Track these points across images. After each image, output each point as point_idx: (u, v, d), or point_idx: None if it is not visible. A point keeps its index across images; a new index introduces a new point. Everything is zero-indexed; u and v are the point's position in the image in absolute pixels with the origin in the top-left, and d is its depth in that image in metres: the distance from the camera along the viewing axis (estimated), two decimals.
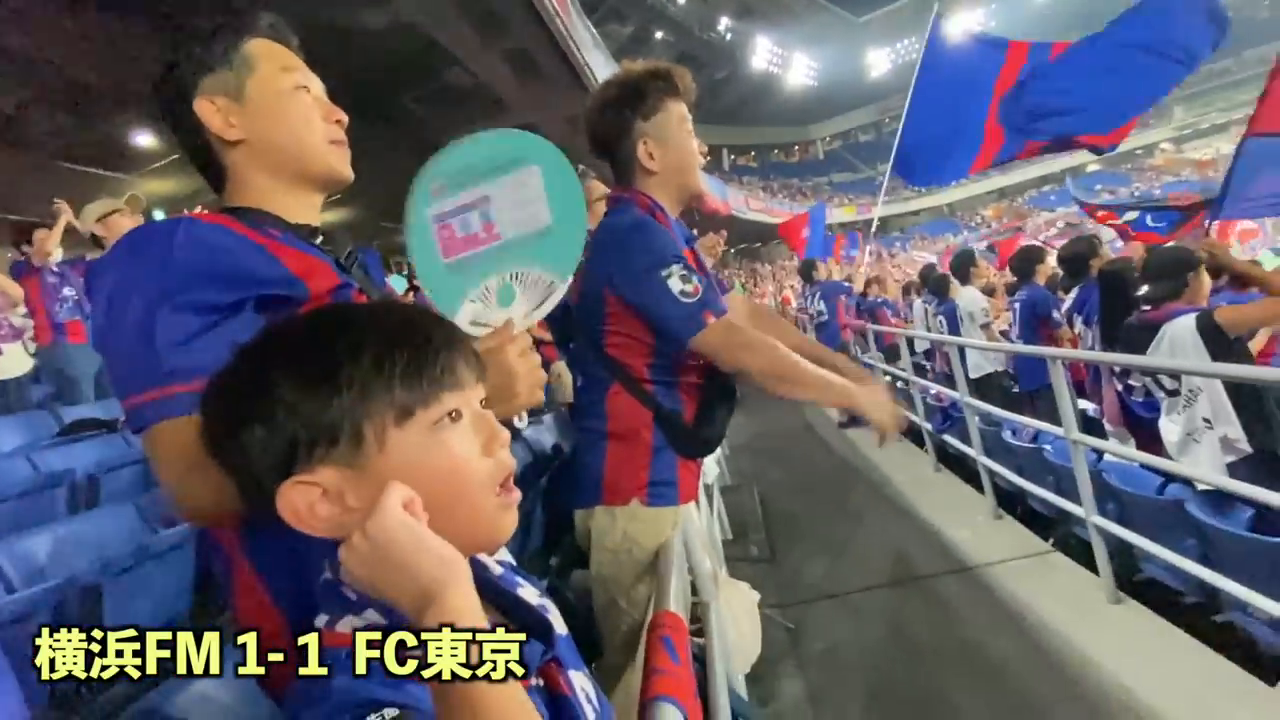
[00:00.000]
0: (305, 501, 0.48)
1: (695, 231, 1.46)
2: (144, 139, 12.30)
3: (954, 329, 5.02)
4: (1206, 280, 2.63)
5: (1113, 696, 1.98)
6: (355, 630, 0.46)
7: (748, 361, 1.21)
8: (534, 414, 3.15)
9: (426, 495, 0.48)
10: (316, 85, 0.91)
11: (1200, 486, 2.17)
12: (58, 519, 2.30)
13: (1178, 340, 2.29)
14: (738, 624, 1.56)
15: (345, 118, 0.92)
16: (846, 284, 7.64)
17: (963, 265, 5.25)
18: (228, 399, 0.50)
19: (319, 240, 0.88)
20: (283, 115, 0.85)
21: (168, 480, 0.68)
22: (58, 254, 4.08)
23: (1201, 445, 2.24)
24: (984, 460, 3.34)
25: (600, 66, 12.05)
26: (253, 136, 0.85)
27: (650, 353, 1.30)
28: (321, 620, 0.49)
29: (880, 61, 41.05)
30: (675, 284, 1.18)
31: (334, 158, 0.89)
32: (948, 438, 3.96)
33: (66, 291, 4.00)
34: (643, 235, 1.24)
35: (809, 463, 5.17)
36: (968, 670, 2.24)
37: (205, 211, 0.87)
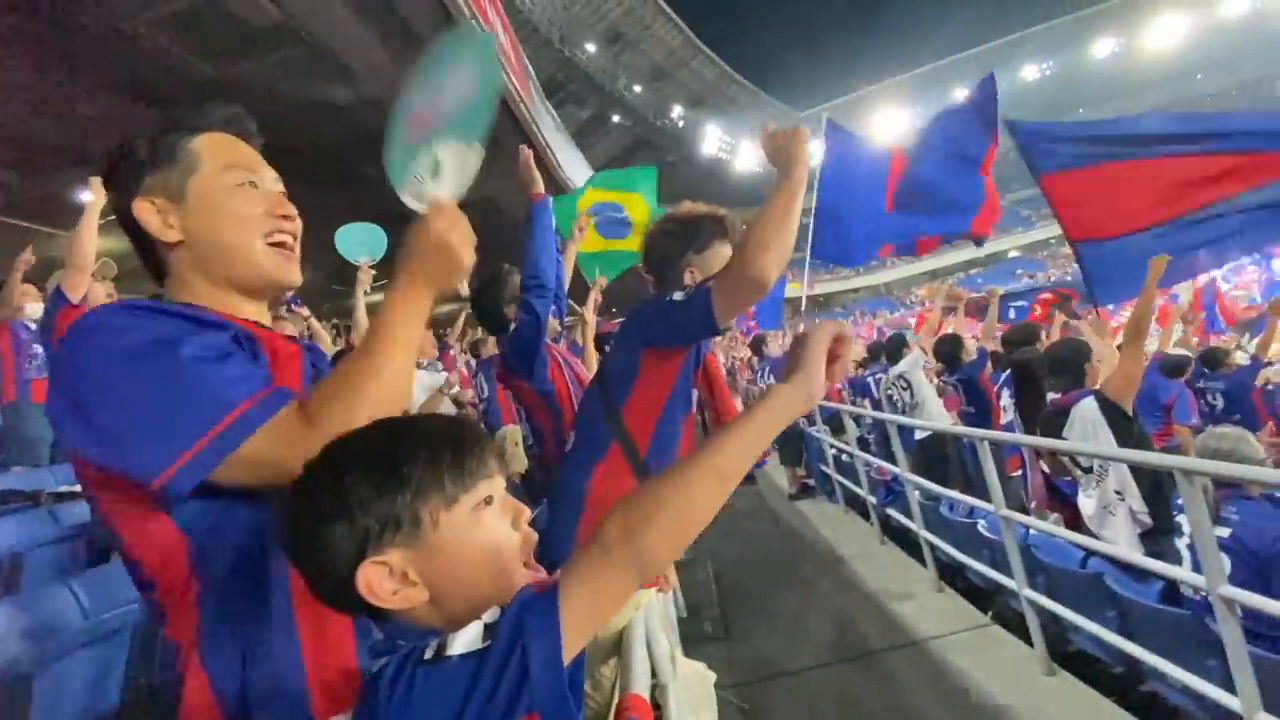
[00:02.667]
0: (377, 578, 0.59)
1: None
2: (88, 196, 12.00)
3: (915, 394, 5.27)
4: (1101, 367, 2.93)
5: None
6: None
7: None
8: None
9: (472, 565, 0.62)
10: (268, 180, 0.89)
11: (1121, 561, 2.34)
12: None
13: (1084, 421, 2.54)
14: (695, 706, 1.59)
15: (294, 215, 0.90)
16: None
17: (895, 347, 5.60)
18: (307, 506, 0.61)
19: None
20: (220, 216, 0.84)
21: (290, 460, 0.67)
22: (35, 309, 3.92)
23: (1117, 517, 2.45)
24: (924, 534, 3.49)
25: (561, 146, 12.60)
26: (190, 238, 0.83)
27: (657, 421, 1.42)
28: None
29: (820, 152, 44.19)
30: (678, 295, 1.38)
31: (270, 262, 0.87)
32: (891, 511, 4.12)
33: (37, 348, 3.81)
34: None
35: (760, 536, 5.24)
36: None
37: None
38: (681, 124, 36.66)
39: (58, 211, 11.64)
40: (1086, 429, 2.50)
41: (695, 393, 1.60)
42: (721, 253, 1.58)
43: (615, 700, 1.26)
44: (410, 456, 0.60)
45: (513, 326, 2.26)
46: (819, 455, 5.72)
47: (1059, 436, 2.64)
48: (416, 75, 0.89)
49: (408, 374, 0.81)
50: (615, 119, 32.80)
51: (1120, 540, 2.41)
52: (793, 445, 6.30)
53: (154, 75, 9.43)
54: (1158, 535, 2.38)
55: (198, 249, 0.84)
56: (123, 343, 0.71)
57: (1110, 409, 2.49)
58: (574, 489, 1.43)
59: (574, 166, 13.35)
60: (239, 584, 0.76)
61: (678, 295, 1.37)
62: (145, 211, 0.82)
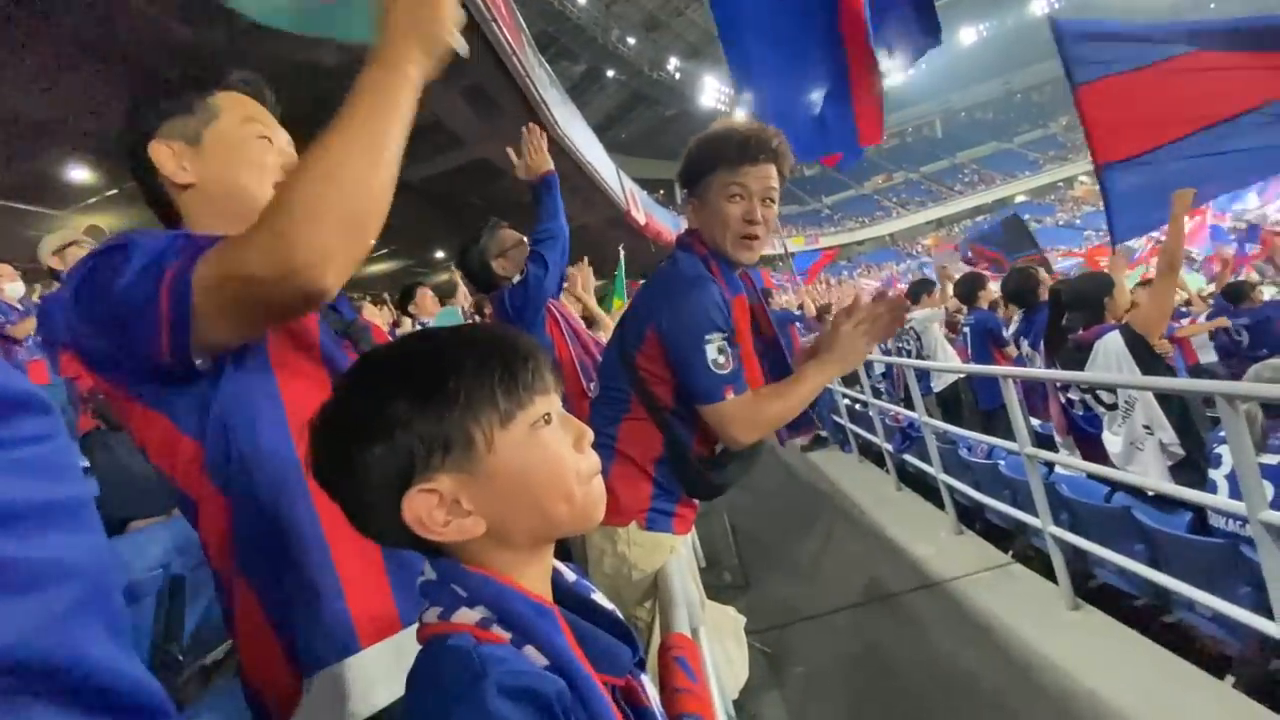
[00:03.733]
0: (426, 508, 0.52)
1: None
2: (79, 174, 11.81)
3: (926, 346, 5.22)
4: (1121, 302, 2.86)
5: (1079, 699, 2.07)
6: (476, 621, 0.51)
7: (745, 439, 1.29)
8: None
9: (534, 486, 0.55)
10: (282, 139, 0.92)
11: (1149, 492, 2.31)
12: None
13: (1108, 355, 2.47)
14: (726, 648, 1.58)
15: None
16: (797, 312, 7.88)
17: (915, 291, 5.52)
18: (340, 426, 0.53)
19: None
20: (235, 161, 0.86)
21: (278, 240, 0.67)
22: (15, 289, 3.88)
23: (1145, 452, 2.41)
24: (944, 477, 3.47)
25: (556, 104, 12.26)
26: (203, 181, 0.85)
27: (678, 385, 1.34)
28: (434, 613, 0.52)
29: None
30: (711, 353, 1.24)
31: None
32: (908, 457, 4.10)
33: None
34: (698, 295, 1.28)
35: (775, 487, 5.25)
36: (942, 684, 2.30)
37: None
38: (678, 76, 35.63)
39: (43, 189, 11.51)
40: (1110, 363, 2.43)
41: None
42: (722, 179, 1.34)
43: (653, 641, 1.24)
44: (456, 367, 0.53)
45: (515, 279, 2.20)
46: (830, 406, 5.69)
47: (1080, 369, 2.58)
48: None
49: (382, 176, 0.71)
50: (610, 74, 31.91)
51: (1150, 474, 2.37)
52: None
53: (139, 46, 9.16)
54: (1187, 467, 2.34)
55: (208, 190, 0.86)
56: (108, 265, 0.71)
57: (1136, 342, 2.42)
58: (603, 437, 1.38)
59: (572, 125, 13.02)
60: (266, 508, 0.76)
61: (710, 350, 1.26)
62: (161, 153, 0.85)
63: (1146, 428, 2.41)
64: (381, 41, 0.74)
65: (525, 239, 2.28)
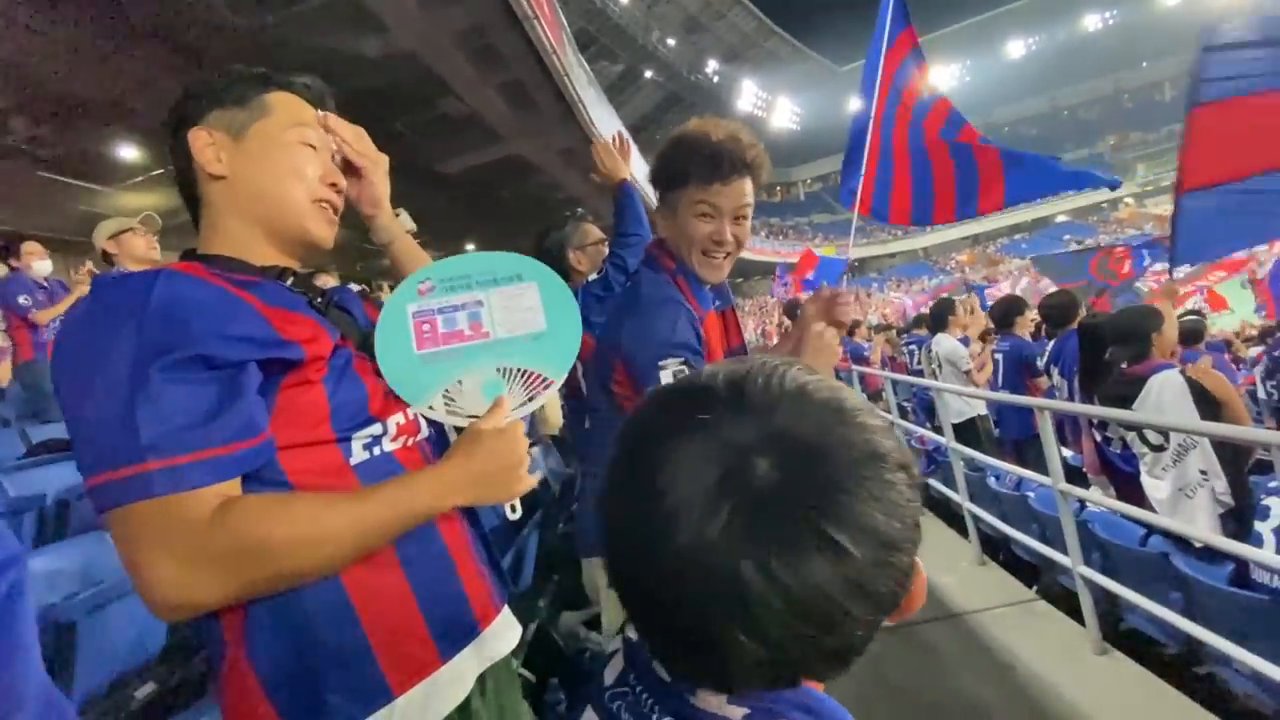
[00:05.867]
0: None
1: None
2: (126, 152, 12.17)
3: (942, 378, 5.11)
4: (1170, 338, 2.74)
5: None
6: None
7: None
8: None
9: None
10: (329, 149, 0.89)
11: (1196, 544, 2.21)
12: (25, 547, 2.20)
13: (1165, 395, 2.36)
14: None
15: (344, 185, 0.89)
16: None
17: (941, 313, 5.39)
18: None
19: (289, 282, 0.84)
20: (274, 162, 0.83)
21: (150, 568, 0.60)
22: (43, 267, 3.98)
23: (1195, 500, 2.29)
24: (969, 506, 3.37)
25: (593, 103, 12.29)
26: (234, 176, 0.82)
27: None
28: None
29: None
30: (666, 377, 1.18)
31: (312, 218, 0.85)
32: (932, 481, 4.00)
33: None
34: (655, 318, 1.22)
35: None
36: (956, 719, 2.23)
37: (178, 261, 0.82)
38: (716, 79, 35.49)
39: (92, 167, 11.88)
40: (1165, 403, 2.33)
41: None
42: (691, 195, 1.24)
43: None
44: None
45: (590, 276, 2.21)
46: None
47: (1126, 408, 2.47)
48: (436, 275, 0.87)
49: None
50: (648, 74, 31.89)
51: (1199, 524, 2.26)
52: None
53: (188, 26, 9.40)
54: (1231, 518, 2.23)
55: (238, 187, 0.82)
56: (93, 351, 0.65)
57: (1199, 389, 2.31)
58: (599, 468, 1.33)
59: (607, 124, 13.03)
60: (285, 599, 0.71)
61: (665, 375, 1.17)
62: (199, 140, 0.81)
63: (1203, 473, 2.29)
64: (447, 476, 0.77)
65: (605, 239, 2.28)
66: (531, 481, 0.84)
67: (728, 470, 0.35)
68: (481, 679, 0.82)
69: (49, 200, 11.51)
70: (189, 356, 0.65)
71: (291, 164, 0.83)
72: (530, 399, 0.86)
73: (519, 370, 0.85)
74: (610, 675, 0.48)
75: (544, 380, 0.86)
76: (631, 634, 0.48)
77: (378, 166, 0.96)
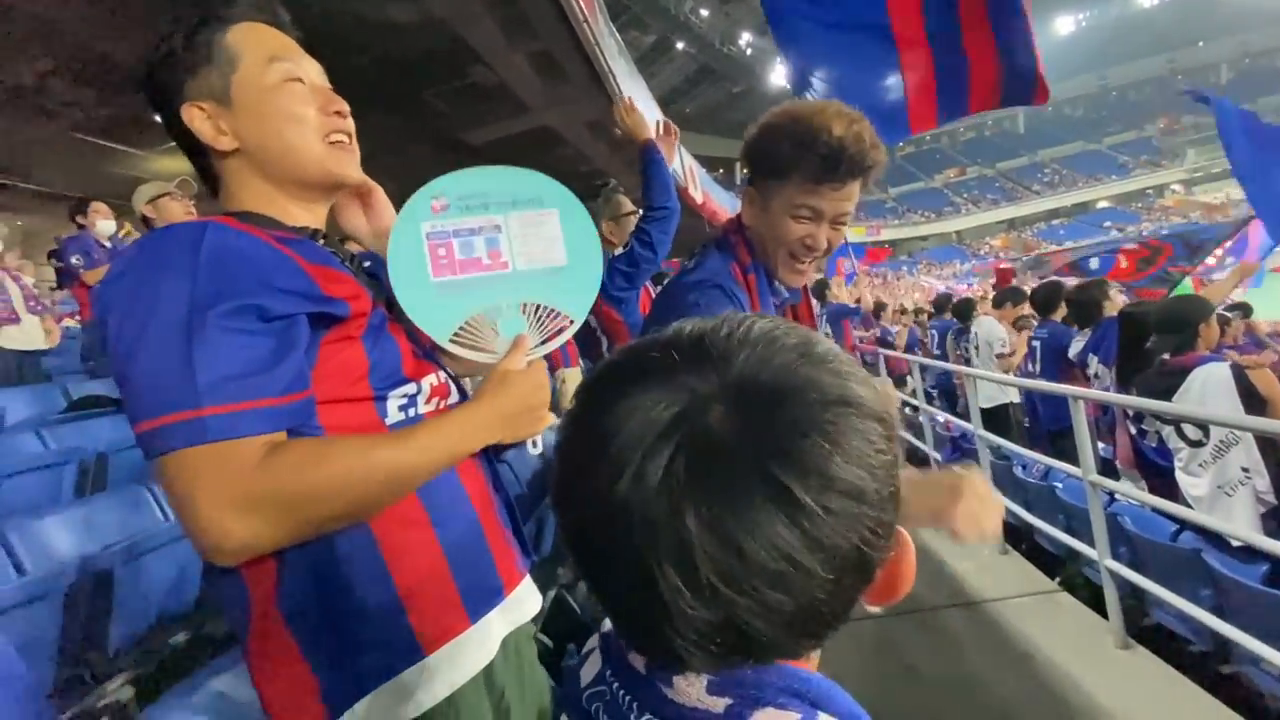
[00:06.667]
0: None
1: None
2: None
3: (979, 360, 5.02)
4: (1215, 330, 2.63)
5: None
6: None
7: None
8: None
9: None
10: (312, 71, 0.83)
11: (1234, 543, 2.15)
12: (66, 498, 2.28)
13: (1209, 388, 2.28)
14: None
15: (346, 108, 0.83)
16: (854, 306, 7.65)
17: (965, 309, 5.30)
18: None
19: (321, 242, 0.82)
20: (271, 116, 0.78)
21: (206, 511, 0.61)
22: (107, 226, 4.07)
23: (1235, 498, 2.23)
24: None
25: (623, 74, 12.09)
26: (247, 145, 0.78)
27: None
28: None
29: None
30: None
31: (332, 160, 0.81)
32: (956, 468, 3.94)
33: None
34: (700, 293, 1.12)
35: None
36: (972, 707, 2.21)
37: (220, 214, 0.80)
38: (749, 52, 34.63)
39: (131, 130, 12.04)
40: (1208, 396, 2.24)
41: None
42: (791, 191, 1.09)
43: None
44: None
45: (618, 250, 2.18)
46: None
47: (1166, 400, 2.39)
48: (451, 190, 0.82)
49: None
50: (680, 46, 31.25)
51: (1238, 522, 2.20)
52: None
53: None
54: (1275, 517, 2.16)
55: (255, 154, 0.79)
56: (145, 306, 0.65)
57: (1246, 385, 2.21)
58: None
59: (636, 95, 12.84)
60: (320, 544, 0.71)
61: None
62: (195, 118, 0.77)
63: (1245, 470, 2.22)
64: (477, 417, 0.78)
65: (638, 211, 2.25)
66: (552, 418, 0.84)
67: (680, 414, 0.33)
68: (503, 643, 0.83)
69: (89, 163, 11.75)
70: (242, 305, 0.65)
71: (286, 110, 0.78)
72: (548, 340, 0.85)
73: (538, 308, 0.83)
74: (588, 674, 0.45)
75: (565, 320, 0.85)
76: (607, 626, 0.45)
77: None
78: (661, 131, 2.10)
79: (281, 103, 0.78)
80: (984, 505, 0.79)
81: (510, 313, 0.82)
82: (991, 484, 3.27)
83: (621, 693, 0.41)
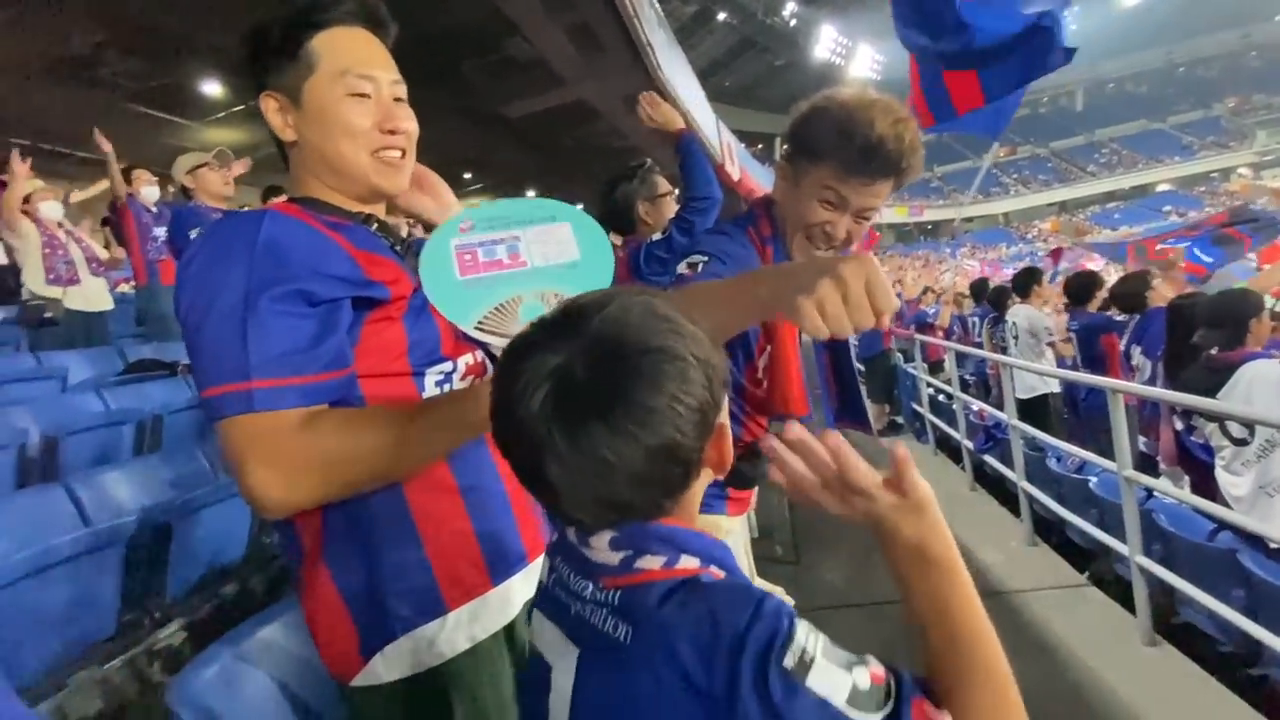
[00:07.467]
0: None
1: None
2: (211, 88, 12.61)
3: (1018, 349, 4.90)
4: (1268, 325, 2.53)
5: None
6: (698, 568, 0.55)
7: None
8: None
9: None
10: (385, 83, 0.86)
11: (1272, 544, 2.09)
12: (125, 455, 2.43)
13: (1256, 386, 2.20)
14: None
15: (404, 128, 0.87)
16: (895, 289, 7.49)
17: (999, 295, 5.14)
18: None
19: (375, 228, 0.90)
20: (329, 127, 0.84)
21: (253, 470, 0.69)
22: (151, 193, 4.24)
23: (1277, 499, 2.16)
24: (1024, 485, 3.28)
25: (662, 46, 11.88)
26: (304, 142, 0.86)
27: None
28: (657, 562, 0.54)
29: None
30: (683, 268, 1.13)
31: (376, 173, 0.87)
32: (988, 458, 3.89)
33: (158, 231, 4.11)
34: (709, 242, 1.18)
35: None
36: None
37: (277, 201, 0.90)
38: (793, 23, 33.53)
39: (178, 100, 12.34)
40: (1256, 394, 2.17)
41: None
42: (820, 176, 1.11)
43: None
44: None
45: (655, 235, 2.18)
46: (912, 393, 5.45)
47: (1211, 396, 2.32)
48: (474, 216, 0.88)
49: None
50: (721, 17, 30.48)
51: (1278, 522, 2.13)
52: (882, 380, 6.05)
53: None
54: None
55: (308, 152, 0.87)
56: (212, 288, 0.73)
57: None
58: None
59: (674, 68, 12.62)
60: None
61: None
62: (269, 108, 0.86)
63: None
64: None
65: (675, 192, 2.24)
66: None
67: (556, 365, 0.50)
68: (526, 605, 0.88)
69: (137, 132, 12.11)
70: (292, 290, 0.73)
71: (344, 124, 0.84)
72: None
73: (556, 295, 0.88)
74: (545, 575, 0.63)
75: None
76: (554, 535, 0.64)
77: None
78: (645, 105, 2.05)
79: (341, 115, 0.84)
80: (851, 295, 0.59)
81: (531, 299, 0.87)
82: (1023, 474, 3.22)
83: (565, 568, 0.59)
